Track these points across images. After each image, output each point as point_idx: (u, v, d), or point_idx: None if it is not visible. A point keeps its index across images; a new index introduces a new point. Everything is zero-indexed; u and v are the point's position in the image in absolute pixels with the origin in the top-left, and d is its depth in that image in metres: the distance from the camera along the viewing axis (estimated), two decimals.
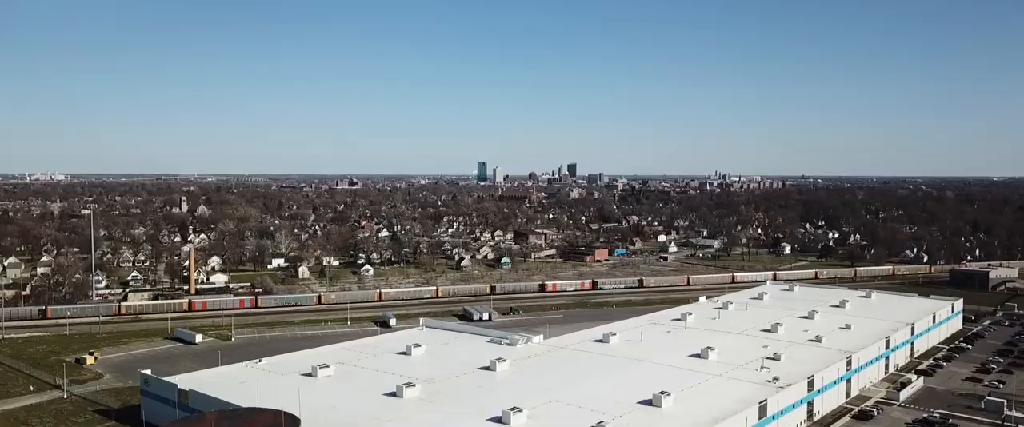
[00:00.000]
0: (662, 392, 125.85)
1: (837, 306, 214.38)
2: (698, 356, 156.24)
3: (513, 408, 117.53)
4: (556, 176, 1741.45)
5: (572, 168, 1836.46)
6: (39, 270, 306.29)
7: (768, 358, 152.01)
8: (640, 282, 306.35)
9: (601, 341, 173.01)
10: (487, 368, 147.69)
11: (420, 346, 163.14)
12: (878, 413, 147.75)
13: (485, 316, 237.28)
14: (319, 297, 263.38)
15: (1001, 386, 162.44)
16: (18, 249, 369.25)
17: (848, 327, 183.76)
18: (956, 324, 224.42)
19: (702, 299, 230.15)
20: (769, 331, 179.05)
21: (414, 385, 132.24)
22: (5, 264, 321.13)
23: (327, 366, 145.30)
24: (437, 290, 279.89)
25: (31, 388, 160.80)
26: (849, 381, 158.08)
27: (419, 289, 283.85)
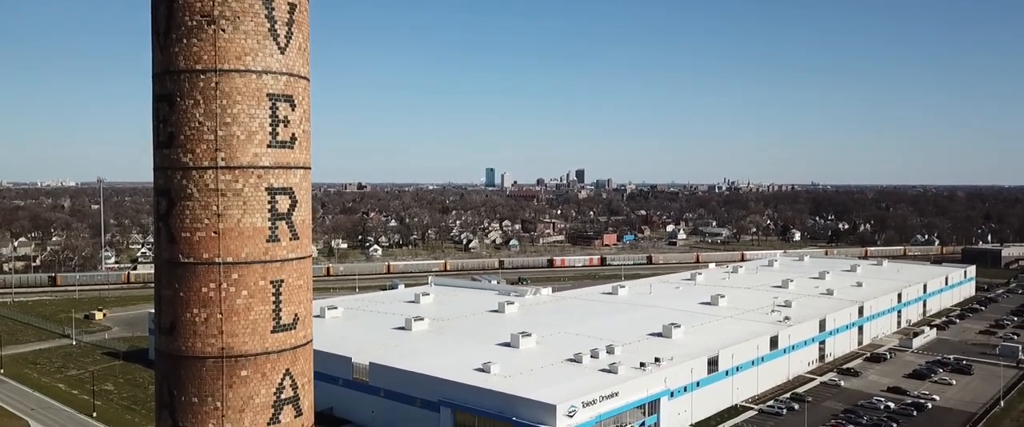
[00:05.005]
0: (673, 324, 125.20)
1: (848, 271, 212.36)
2: (708, 303, 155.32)
3: (523, 332, 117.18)
4: (564, 182, 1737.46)
5: (580, 174, 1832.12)
6: (49, 249, 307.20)
7: (779, 305, 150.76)
8: (649, 258, 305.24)
9: (610, 293, 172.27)
10: (496, 310, 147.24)
11: (429, 295, 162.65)
12: (891, 356, 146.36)
13: (493, 283, 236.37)
14: (328, 269, 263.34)
15: (1016, 338, 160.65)
16: (29, 234, 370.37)
17: (859, 284, 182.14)
18: (969, 289, 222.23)
19: (712, 266, 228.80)
20: (780, 287, 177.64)
21: (423, 319, 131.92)
22: (15, 244, 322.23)
23: (335, 308, 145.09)
24: (445, 263, 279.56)
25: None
26: (861, 329, 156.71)
27: (428, 262, 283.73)
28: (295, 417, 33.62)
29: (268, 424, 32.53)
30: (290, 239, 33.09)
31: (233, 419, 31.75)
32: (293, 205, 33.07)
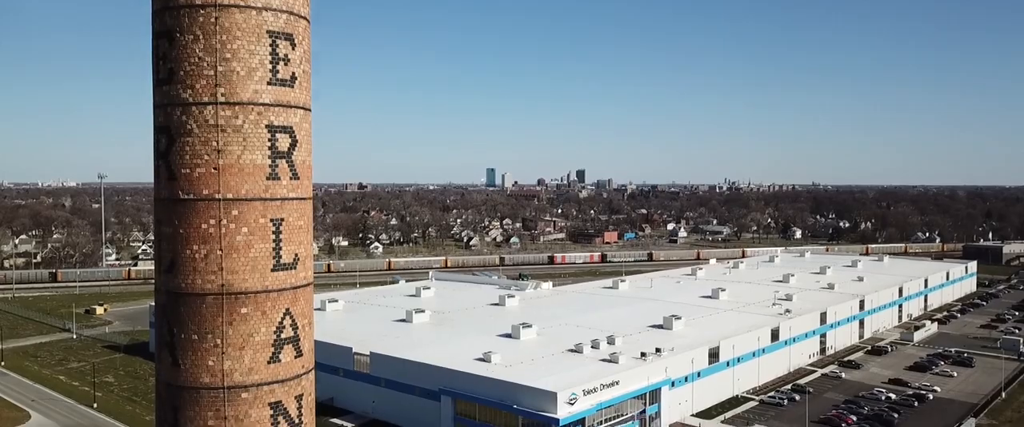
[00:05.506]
0: (673, 315, 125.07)
1: (849, 266, 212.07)
2: (709, 296, 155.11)
3: (523, 324, 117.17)
4: (565, 182, 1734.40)
5: (581, 174, 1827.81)
6: (50, 246, 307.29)
7: (780, 299, 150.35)
8: (650, 255, 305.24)
9: (611, 287, 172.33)
10: (497, 303, 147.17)
11: (430, 289, 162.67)
12: (892, 349, 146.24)
13: (493, 278, 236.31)
14: (328, 266, 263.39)
15: (1017, 332, 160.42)
16: (30, 232, 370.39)
17: (861, 279, 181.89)
18: (970, 285, 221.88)
19: (712, 261, 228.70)
20: (781, 281, 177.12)
21: (424, 312, 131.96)
22: (16, 241, 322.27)
23: (336, 301, 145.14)
24: (446, 260, 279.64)
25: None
26: (862, 322, 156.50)
27: (429, 258, 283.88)
28: (295, 357, 33.58)
29: (268, 363, 32.52)
30: (290, 179, 33.11)
31: (233, 356, 31.80)
32: (293, 144, 33.08)
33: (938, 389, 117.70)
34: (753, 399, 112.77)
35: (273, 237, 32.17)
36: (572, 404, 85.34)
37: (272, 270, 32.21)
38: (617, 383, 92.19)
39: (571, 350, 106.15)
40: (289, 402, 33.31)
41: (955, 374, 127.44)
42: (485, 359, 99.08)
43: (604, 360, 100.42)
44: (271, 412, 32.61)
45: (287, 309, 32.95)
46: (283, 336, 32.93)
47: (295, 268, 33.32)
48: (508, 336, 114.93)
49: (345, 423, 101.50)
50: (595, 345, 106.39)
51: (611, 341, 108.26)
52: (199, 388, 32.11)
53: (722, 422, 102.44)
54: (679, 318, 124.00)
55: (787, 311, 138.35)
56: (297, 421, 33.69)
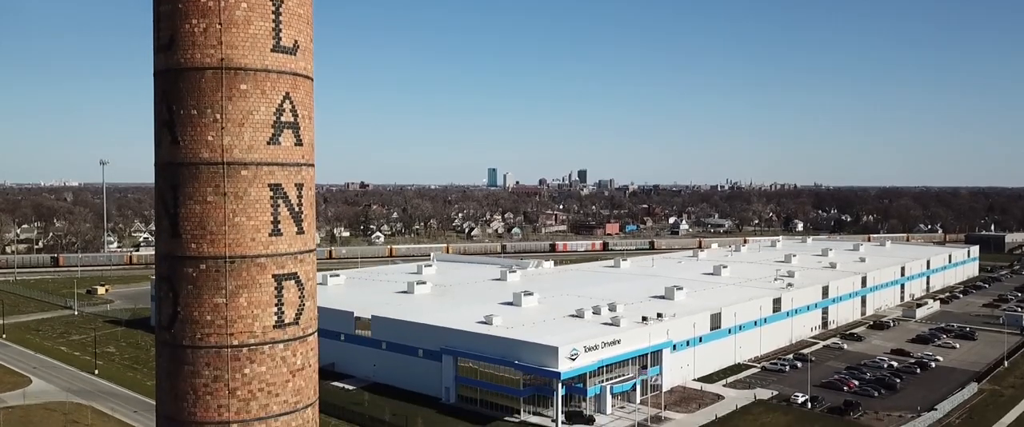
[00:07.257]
0: (675, 286, 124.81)
1: (851, 250, 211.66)
2: (711, 274, 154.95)
3: (525, 291, 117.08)
4: (566, 182, 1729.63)
5: (582, 174, 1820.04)
6: (52, 234, 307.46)
7: (782, 275, 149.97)
8: (651, 244, 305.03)
9: (612, 266, 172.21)
10: (498, 279, 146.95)
11: (431, 266, 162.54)
12: (894, 324, 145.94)
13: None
14: (330, 252, 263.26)
15: (1021, 309, 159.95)
16: (33, 221, 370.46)
17: (863, 260, 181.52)
18: (972, 269, 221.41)
19: (714, 245, 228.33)
20: (783, 261, 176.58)
21: (425, 283, 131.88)
22: (18, 230, 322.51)
23: (338, 275, 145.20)
24: (447, 247, 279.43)
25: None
26: (864, 299, 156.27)
27: (430, 246, 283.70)
28: (295, 145, 33.30)
29: (268, 144, 32.26)
30: None
31: (232, 132, 31.56)
32: None
33: (940, 358, 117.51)
34: (755, 366, 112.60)
35: (273, 16, 31.81)
36: (573, 359, 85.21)
37: (272, 50, 31.92)
38: (618, 342, 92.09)
39: (572, 315, 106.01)
40: (289, 188, 33.05)
41: (957, 346, 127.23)
42: (487, 322, 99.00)
43: (605, 323, 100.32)
44: (271, 193, 32.43)
45: (287, 93, 32.67)
46: (283, 119, 32.64)
47: (294, 54, 32.99)
48: (510, 304, 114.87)
49: (347, 386, 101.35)
50: (597, 311, 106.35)
51: (612, 308, 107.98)
52: (198, 164, 31.81)
53: (724, 385, 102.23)
54: (681, 289, 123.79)
55: (789, 285, 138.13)
56: (297, 208, 33.42)
